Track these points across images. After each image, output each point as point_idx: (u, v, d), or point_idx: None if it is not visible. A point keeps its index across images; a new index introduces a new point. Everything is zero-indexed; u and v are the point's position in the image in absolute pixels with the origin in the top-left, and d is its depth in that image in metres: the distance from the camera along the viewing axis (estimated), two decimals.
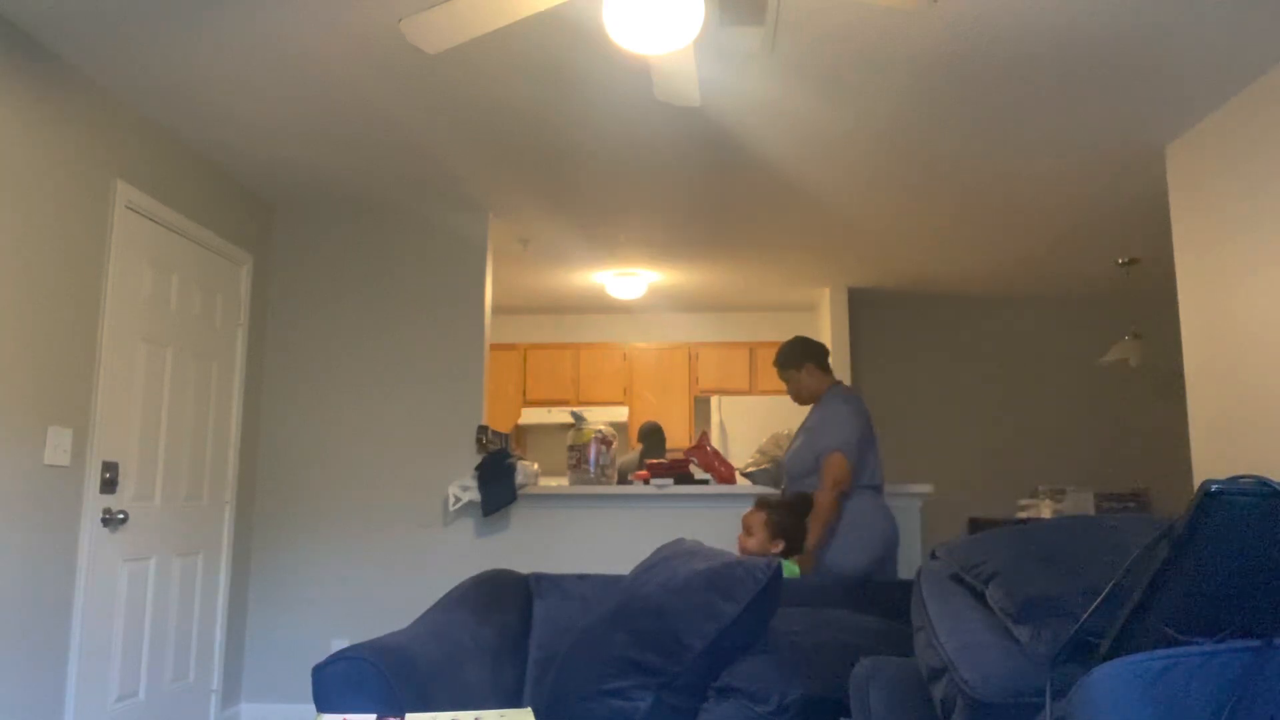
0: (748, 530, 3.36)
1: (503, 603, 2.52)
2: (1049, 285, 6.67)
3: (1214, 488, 1.05)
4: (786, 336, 7.47)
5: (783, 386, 7.23)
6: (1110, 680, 1.07)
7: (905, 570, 4.08)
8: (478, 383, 4.87)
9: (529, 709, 1.64)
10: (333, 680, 1.86)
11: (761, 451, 4.55)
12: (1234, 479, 1.06)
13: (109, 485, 3.55)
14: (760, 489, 4.42)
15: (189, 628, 4.12)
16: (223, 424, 4.43)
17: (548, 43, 3.23)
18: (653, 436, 6.05)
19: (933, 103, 3.69)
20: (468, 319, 4.92)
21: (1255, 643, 1.08)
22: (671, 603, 2.12)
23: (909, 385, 7.27)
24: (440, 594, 4.53)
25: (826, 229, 5.35)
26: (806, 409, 4.10)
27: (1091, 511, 5.98)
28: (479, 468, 4.56)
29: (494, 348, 7.22)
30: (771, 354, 7.24)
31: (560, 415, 7.00)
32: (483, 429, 4.76)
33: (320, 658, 4.56)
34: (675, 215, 5.12)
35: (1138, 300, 6.98)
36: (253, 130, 3.97)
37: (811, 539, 3.52)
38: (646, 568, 2.43)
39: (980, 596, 1.58)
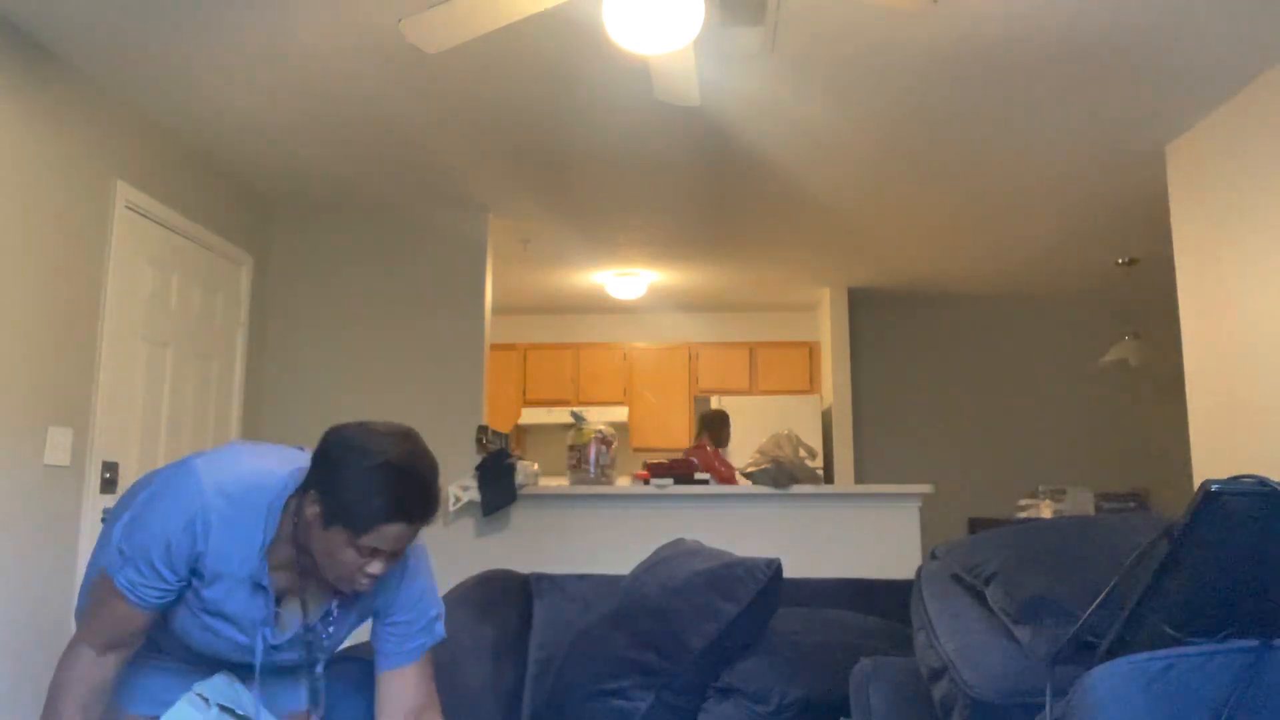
0: None
1: (503, 603, 2.52)
2: (1049, 285, 6.67)
3: (1214, 488, 1.05)
4: (786, 337, 7.56)
5: (783, 386, 7.30)
6: (1110, 680, 1.07)
7: (904, 570, 4.08)
8: (478, 383, 4.87)
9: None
10: (333, 680, 1.86)
11: (761, 452, 4.55)
12: (1234, 479, 1.06)
13: (109, 485, 3.55)
14: (760, 489, 4.42)
15: None
16: (223, 424, 4.43)
17: (548, 43, 3.23)
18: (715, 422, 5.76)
19: (932, 103, 3.68)
20: (468, 319, 4.91)
21: (1255, 643, 1.08)
22: (672, 603, 2.12)
23: (909, 385, 7.27)
24: (440, 594, 4.52)
25: (826, 229, 5.35)
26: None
27: (1091, 511, 5.98)
28: (479, 468, 4.55)
29: (494, 348, 7.23)
30: (771, 354, 7.31)
31: (560, 415, 6.99)
32: (483, 429, 4.76)
33: None
34: (675, 215, 5.12)
35: (1138, 300, 6.98)
36: (253, 130, 3.97)
37: None
38: (646, 568, 2.42)
39: (980, 596, 1.58)
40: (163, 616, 1.64)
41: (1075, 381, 7.18)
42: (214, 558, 1.57)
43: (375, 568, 1.55)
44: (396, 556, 1.58)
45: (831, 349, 6.72)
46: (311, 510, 1.54)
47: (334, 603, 1.70)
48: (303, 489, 1.58)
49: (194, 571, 1.58)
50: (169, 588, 1.57)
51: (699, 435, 5.62)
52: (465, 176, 4.52)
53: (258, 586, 1.61)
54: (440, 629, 1.79)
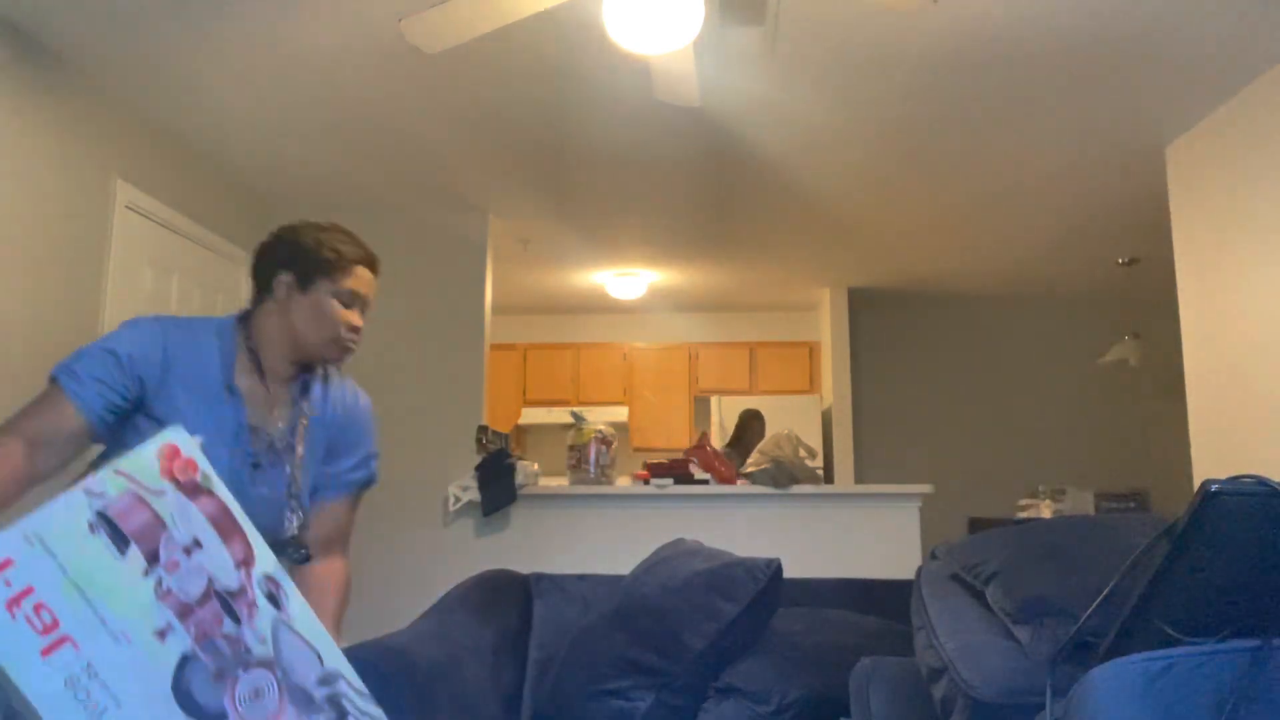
0: None
1: (503, 603, 2.52)
2: (1049, 285, 6.67)
3: (1214, 488, 1.05)
4: (786, 337, 7.56)
5: (783, 386, 7.30)
6: (1110, 680, 1.07)
7: (904, 570, 4.08)
8: (478, 383, 4.87)
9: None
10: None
11: (761, 451, 4.55)
12: (1234, 479, 1.06)
13: None
14: (760, 489, 4.42)
15: None
16: None
17: (548, 43, 3.23)
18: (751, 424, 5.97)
19: (932, 103, 3.68)
20: (468, 319, 4.91)
21: (1255, 643, 1.08)
22: (671, 603, 2.12)
23: (909, 385, 7.27)
24: (440, 594, 4.52)
25: (827, 229, 5.35)
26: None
27: (1091, 511, 5.98)
28: (479, 468, 4.55)
29: (494, 348, 7.22)
30: (771, 354, 7.30)
31: (560, 415, 6.99)
32: (483, 429, 4.75)
33: None
34: (675, 215, 5.12)
35: (1138, 300, 6.98)
36: (253, 130, 3.97)
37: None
38: (646, 568, 2.42)
39: (980, 596, 1.58)
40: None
41: (1075, 381, 7.18)
42: (180, 367, 1.63)
43: (356, 318, 1.76)
44: (367, 309, 1.79)
45: (831, 349, 6.72)
46: (283, 289, 1.70)
47: (304, 405, 1.78)
48: (255, 300, 1.72)
49: (147, 390, 1.59)
50: (113, 387, 1.58)
51: (739, 436, 5.69)
52: (465, 177, 4.52)
53: (229, 392, 1.67)
54: (374, 466, 1.91)
